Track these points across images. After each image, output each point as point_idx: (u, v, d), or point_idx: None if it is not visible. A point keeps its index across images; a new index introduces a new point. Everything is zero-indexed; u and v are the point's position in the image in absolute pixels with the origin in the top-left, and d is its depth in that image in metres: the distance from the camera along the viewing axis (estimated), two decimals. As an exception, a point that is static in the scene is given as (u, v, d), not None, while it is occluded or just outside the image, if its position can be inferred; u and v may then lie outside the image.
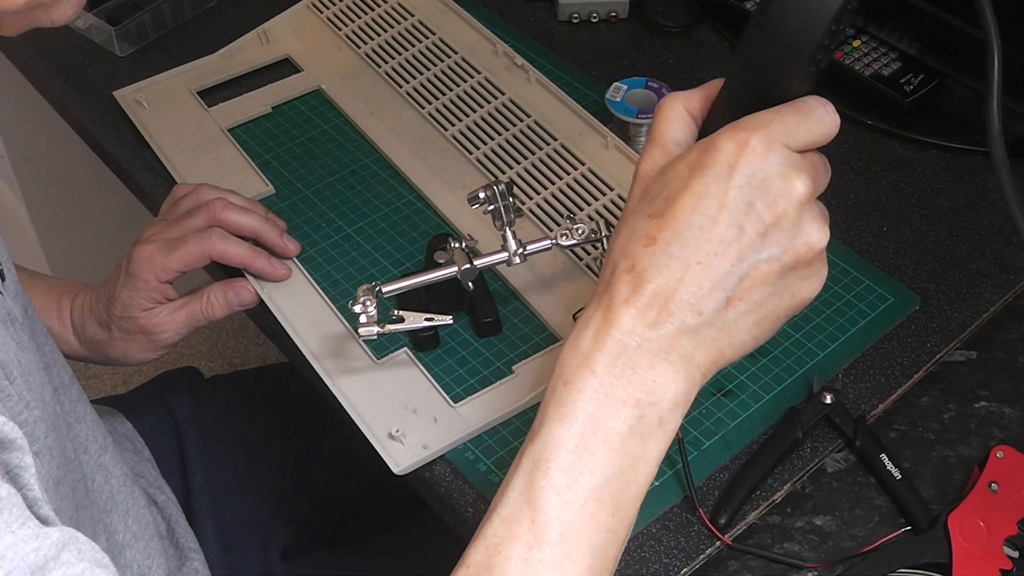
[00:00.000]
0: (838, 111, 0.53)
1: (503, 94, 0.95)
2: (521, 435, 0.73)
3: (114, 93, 0.99)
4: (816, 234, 0.51)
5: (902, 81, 0.94)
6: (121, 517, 0.75)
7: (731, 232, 0.50)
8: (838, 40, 0.50)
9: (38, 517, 0.49)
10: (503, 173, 0.90)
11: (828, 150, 0.53)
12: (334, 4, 1.06)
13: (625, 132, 0.91)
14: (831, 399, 0.73)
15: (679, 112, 0.55)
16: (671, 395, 0.52)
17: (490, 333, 0.80)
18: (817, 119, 0.51)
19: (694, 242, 0.50)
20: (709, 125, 0.54)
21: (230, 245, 0.80)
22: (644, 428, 0.52)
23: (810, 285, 0.53)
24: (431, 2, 1.04)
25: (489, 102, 0.95)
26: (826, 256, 0.53)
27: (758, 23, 0.50)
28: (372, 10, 1.05)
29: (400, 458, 0.71)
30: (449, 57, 0.99)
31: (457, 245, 0.77)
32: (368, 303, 0.71)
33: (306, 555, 0.95)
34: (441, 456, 0.73)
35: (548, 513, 0.51)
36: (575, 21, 1.07)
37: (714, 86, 0.55)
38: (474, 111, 0.95)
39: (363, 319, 0.71)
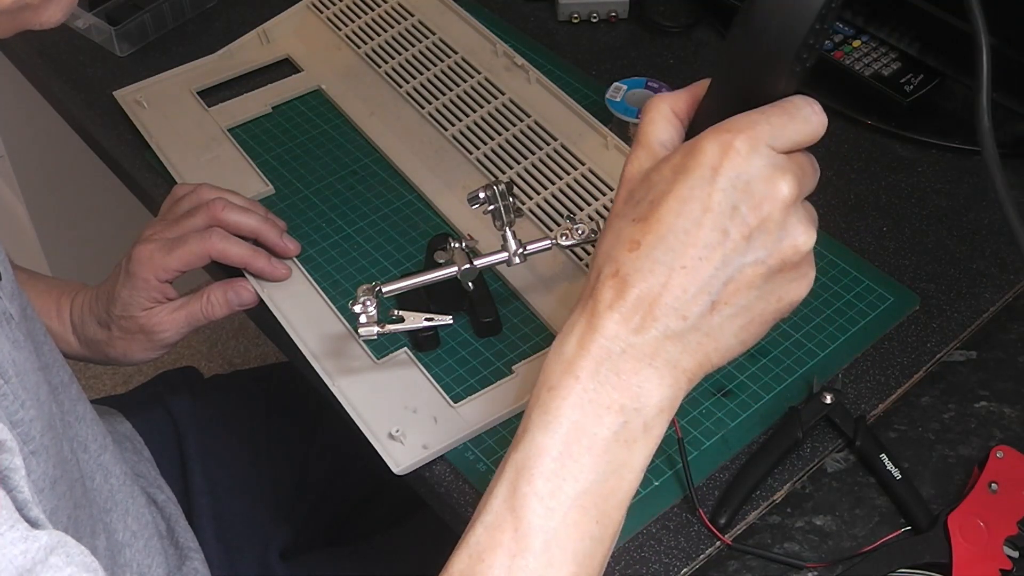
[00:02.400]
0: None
1: (503, 94, 0.95)
2: (521, 435, 0.73)
3: (114, 93, 0.99)
4: (803, 236, 0.50)
5: (902, 81, 0.94)
6: (121, 516, 0.75)
7: (715, 236, 0.49)
8: (823, 38, 0.50)
9: (28, 519, 0.49)
10: (503, 173, 0.90)
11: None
12: (334, 4, 1.06)
13: (625, 132, 0.91)
14: (831, 399, 0.73)
15: (665, 113, 0.54)
16: (656, 401, 0.51)
17: (490, 333, 0.80)
18: (804, 119, 0.50)
19: (678, 246, 0.50)
20: (696, 125, 0.54)
21: (230, 245, 0.80)
22: (629, 434, 0.51)
23: (797, 288, 0.52)
24: (431, 2, 1.04)
25: (489, 102, 0.95)
26: (814, 258, 0.52)
27: (742, 22, 0.50)
28: (372, 10, 1.05)
29: (400, 458, 0.71)
30: (449, 57, 0.99)
31: (457, 245, 0.77)
32: (368, 303, 0.71)
33: (306, 555, 0.95)
34: (441, 456, 0.73)
35: (531, 521, 0.50)
36: (575, 21, 1.07)
37: (701, 86, 0.54)
38: (474, 111, 0.95)
39: (363, 319, 0.71)
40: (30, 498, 0.49)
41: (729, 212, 0.49)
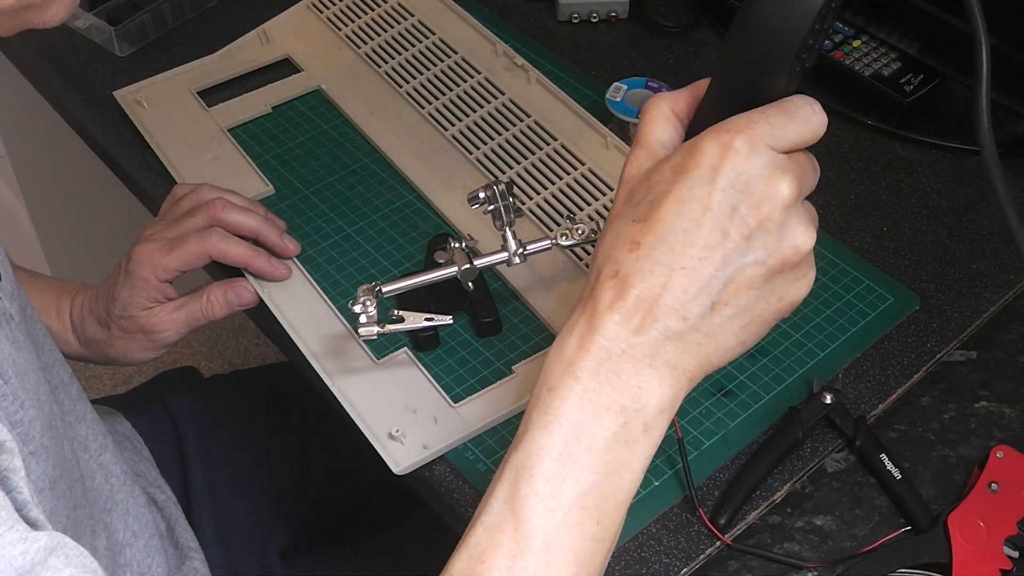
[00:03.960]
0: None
1: (503, 94, 0.95)
2: (521, 435, 0.73)
3: (114, 93, 0.99)
4: (803, 237, 0.50)
5: (902, 81, 0.94)
6: (121, 516, 0.75)
7: (715, 236, 0.49)
8: (823, 38, 0.50)
9: (27, 520, 0.49)
10: (503, 173, 0.90)
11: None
12: (334, 4, 1.06)
13: (625, 132, 0.91)
14: (831, 399, 0.73)
15: (664, 113, 0.54)
16: (656, 401, 0.51)
17: (490, 333, 0.80)
18: (803, 119, 0.50)
19: (678, 247, 0.50)
20: (696, 126, 0.54)
21: (230, 245, 0.80)
22: (629, 435, 0.51)
23: (798, 288, 0.52)
24: (431, 2, 1.04)
25: (489, 102, 0.95)
26: (814, 258, 0.52)
27: (741, 22, 0.49)
28: (372, 10, 1.05)
29: (400, 458, 0.71)
30: (449, 57, 0.99)
31: (457, 245, 0.77)
32: (368, 303, 0.71)
33: (306, 555, 0.95)
34: (441, 456, 0.73)
35: (531, 521, 0.50)
36: (575, 21, 1.07)
37: (701, 86, 0.54)
38: (474, 111, 0.95)
39: (363, 319, 0.71)
40: (30, 499, 0.49)
41: (729, 212, 0.49)
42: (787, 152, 0.50)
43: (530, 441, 0.51)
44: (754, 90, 0.51)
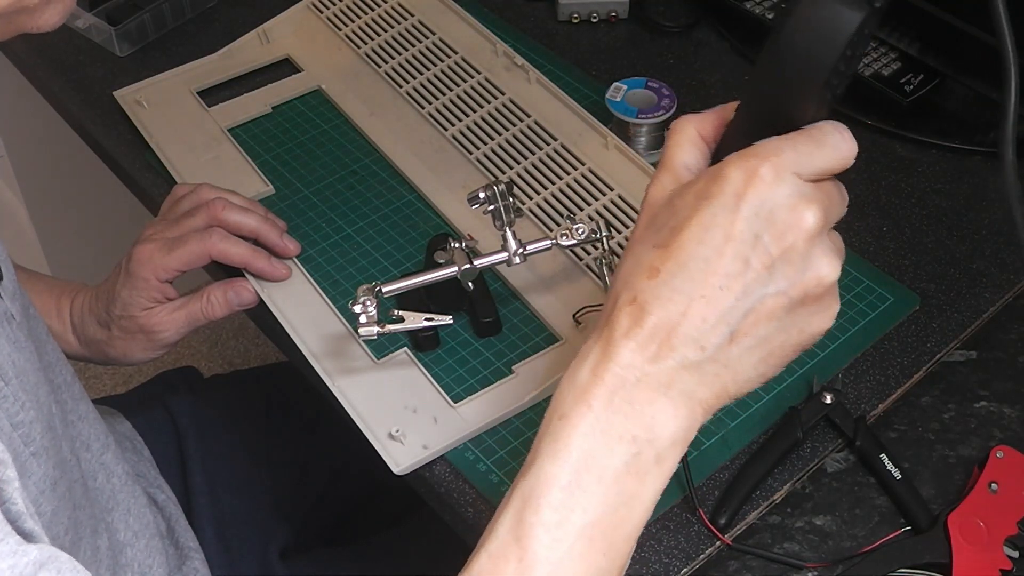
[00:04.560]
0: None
1: (503, 94, 0.95)
2: (521, 435, 0.73)
3: (114, 93, 0.99)
4: (827, 268, 0.49)
5: (902, 81, 0.94)
6: (122, 516, 0.75)
7: (737, 265, 0.48)
8: (854, 66, 0.49)
9: (21, 532, 0.48)
10: (503, 173, 0.90)
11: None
12: (334, 4, 1.06)
13: (625, 132, 0.91)
14: (831, 399, 0.73)
15: (691, 136, 0.53)
16: (670, 432, 0.50)
17: (490, 333, 0.80)
18: (832, 147, 0.49)
19: (699, 275, 0.48)
20: (722, 149, 0.52)
21: (230, 245, 0.80)
22: (640, 466, 0.50)
23: (820, 321, 0.51)
24: (431, 2, 1.04)
25: (489, 102, 0.95)
26: (838, 291, 0.51)
27: (770, 47, 0.48)
28: (372, 10, 1.05)
29: (400, 458, 0.71)
30: (449, 57, 0.99)
31: (457, 245, 0.77)
32: (368, 303, 0.71)
33: (306, 555, 0.95)
34: (441, 456, 0.73)
35: (536, 551, 0.49)
36: (575, 21, 1.07)
37: (729, 109, 0.53)
38: (474, 111, 0.95)
39: (363, 319, 0.71)
40: (24, 510, 0.49)
41: (751, 241, 0.48)
42: (814, 180, 0.49)
43: (539, 469, 0.50)
44: (782, 115, 0.49)
